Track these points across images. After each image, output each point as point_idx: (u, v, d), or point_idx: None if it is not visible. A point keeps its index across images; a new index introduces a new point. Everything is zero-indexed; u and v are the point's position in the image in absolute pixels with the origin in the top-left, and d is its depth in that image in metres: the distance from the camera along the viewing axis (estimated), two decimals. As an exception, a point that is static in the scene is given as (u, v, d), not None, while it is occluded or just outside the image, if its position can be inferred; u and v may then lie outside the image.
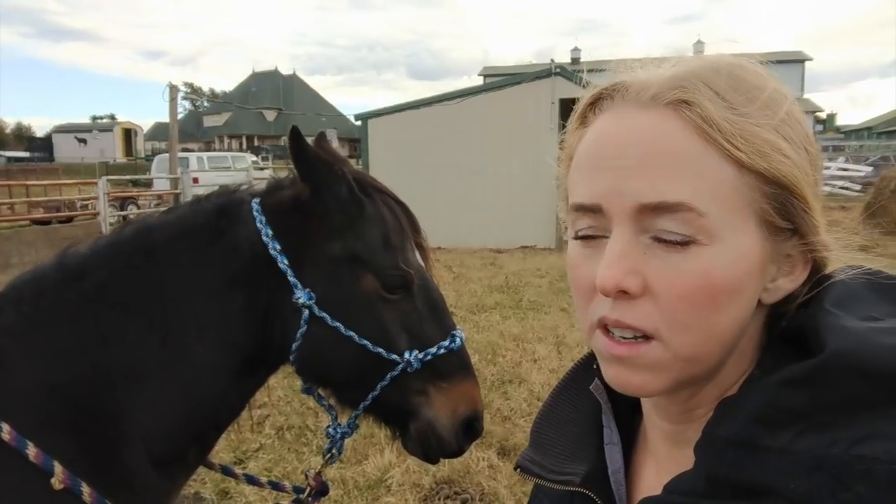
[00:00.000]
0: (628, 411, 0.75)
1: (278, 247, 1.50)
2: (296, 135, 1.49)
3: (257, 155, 38.87)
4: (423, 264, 1.62)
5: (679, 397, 0.63)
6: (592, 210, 0.59)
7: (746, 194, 0.56)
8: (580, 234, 0.61)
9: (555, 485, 0.71)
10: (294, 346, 1.51)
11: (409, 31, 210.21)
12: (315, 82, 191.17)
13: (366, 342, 1.49)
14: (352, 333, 1.48)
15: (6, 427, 1.31)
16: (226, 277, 1.50)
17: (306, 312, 1.49)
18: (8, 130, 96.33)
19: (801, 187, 0.57)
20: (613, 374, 0.60)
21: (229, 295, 1.50)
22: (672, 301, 0.55)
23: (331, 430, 1.64)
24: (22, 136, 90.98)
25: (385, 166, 14.48)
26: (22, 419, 1.34)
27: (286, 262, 1.50)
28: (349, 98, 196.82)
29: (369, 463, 4.12)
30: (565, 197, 0.66)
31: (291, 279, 1.49)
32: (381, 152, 15.73)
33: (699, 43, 45.21)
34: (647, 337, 0.57)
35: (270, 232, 1.51)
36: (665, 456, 0.68)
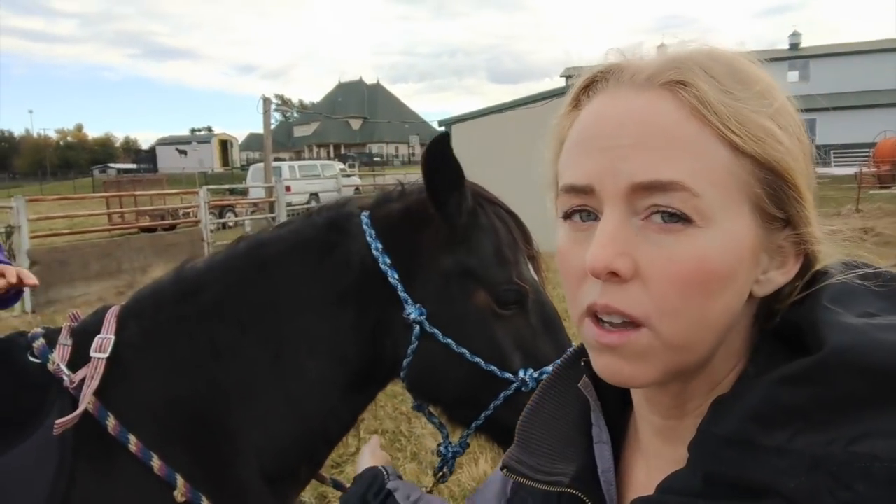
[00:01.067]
0: (617, 409, 0.73)
1: (388, 261, 1.47)
2: (445, 142, 1.43)
3: (344, 162, 39.86)
4: (536, 278, 1.55)
5: (670, 390, 0.61)
6: (584, 191, 0.57)
7: (741, 178, 0.55)
8: (569, 212, 0.60)
9: (543, 485, 0.69)
10: (405, 362, 1.47)
11: (490, 36, 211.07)
12: (398, 90, 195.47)
13: (478, 360, 1.43)
14: (463, 350, 1.43)
15: (133, 439, 1.34)
16: (336, 292, 1.48)
17: (417, 328, 1.44)
18: (117, 144, 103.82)
19: (794, 175, 0.56)
20: (603, 364, 0.58)
21: (340, 310, 1.48)
22: (664, 285, 0.53)
23: (442, 448, 1.59)
24: (129, 149, 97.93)
25: (469, 171, 14.41)
26: (146, 432, 1.36)
27: (396, 276, 1.46)
28: (431, 105, 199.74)
29: (464, 472, 4.08)
30: (554, 182, 0.65)
31: (402, 294, 1.45)
32: (465, 157, 15.40)
33: (795, 35, 42.68)
34: (636, 325, 0.55)
35: (381, 246, 1.48)
36: (655, 453, 0.66)
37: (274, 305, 1.48)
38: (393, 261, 1.46)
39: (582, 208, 0.59)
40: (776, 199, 0.56)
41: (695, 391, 0.60)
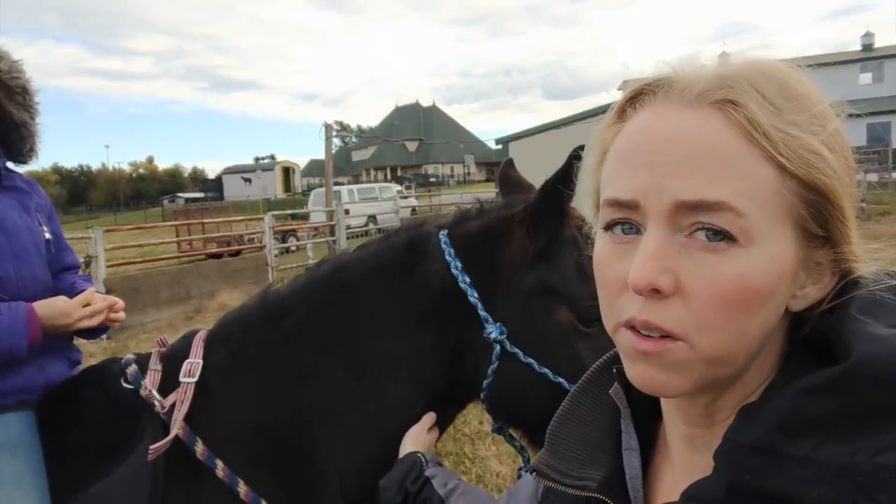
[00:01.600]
0: (647, 417, 0.73)
1: (468, 280, 1.44)
2: (575, 160, 1.30)
3: (401, 184, 40.40)
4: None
5: (700, 400, 0.62)
6: (629, 206, 0.58)
7: (786, 199, 0.55)
8: (611, 224, 0.60)
9: (571, 489, 0.70)
10: (485, 383, 1.43)
11: (546, 53, 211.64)
12: (454, 111, 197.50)
13: (560, 380, 1.38)
14: (546, 370, 1.38)
15: (220, 464, 1.35)
16: (416, 313, 1.47)
17: (498, 348, 1.41)
18: (186, 174, 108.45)
19: (839, 197, 0.56)
20: (638, 372, 0.58)
21: (419, 331, 1.47)
22: (704, 303, 0.54)
23: (523, 472, 1.54)
24: (197, 179, 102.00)
25: (527, 189, 14.37)
26: (232, 456, 1.38)
27: (476, 295, 1.43)
28: (486, 124, 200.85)
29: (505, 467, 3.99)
30: (595, 190, 0.65)
31: (482, 313, 1.42)
32: (523, 174, 15.69)
33: (868, 35, 40.86)
34: (674, 338, 0.55)
35: (459, 265, 1.46)
36: (683, 461, 0.66)
37: (355, 328, 1.48)
38: (472, 279, 1.44)
39: (624, 221, 0.59)
40: (819, 219, 0.56)
41: (725, 403, 0.61)
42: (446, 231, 1.53)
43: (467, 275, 1.44)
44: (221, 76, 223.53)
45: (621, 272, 0.57)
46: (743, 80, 0.56)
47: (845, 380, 0.50)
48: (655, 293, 0.55)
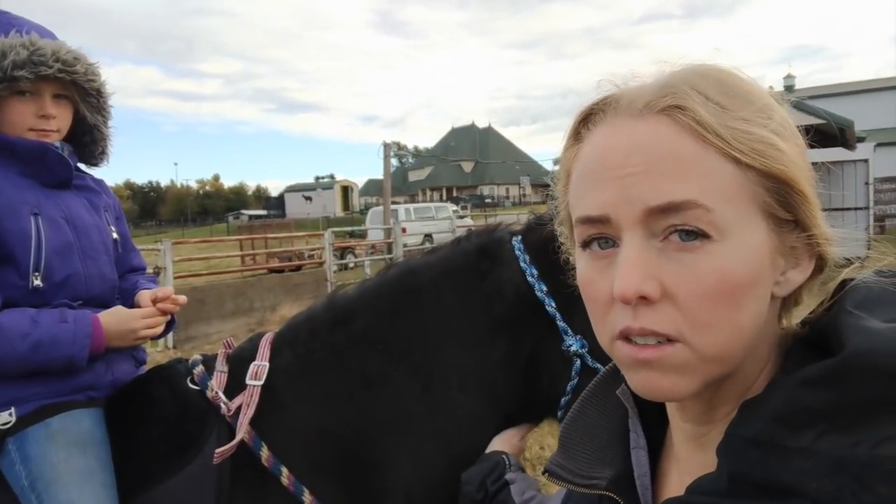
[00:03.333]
0: (656, 416, 0.73)
1: (545, 288, 1.37)
2: None
3: (456, 204, 40.56)
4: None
5: (702, 397, 0.62)
6: (600, 221, 0.59)
7: (749, 189, 0.56)
8: (587, 241, 0.61)
9: (582, 488, 0.71)
10: (563, 400, 1.35)
11: (603, 75, 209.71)
12: (510, 133, 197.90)
13: None
14: None
15: (285, 471, 1.31)
16: (488, 322, 1.41)
17: (578, 362, 1.33)
18: (250, 192, 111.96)
19: (798, 181, 0.58)
20: (641, 381, 0.59)
21: (492, 341, 1.40)
22: (692, 301, 0.55)
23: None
24: (260, 197, 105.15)
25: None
26: (297, 463, 1.33)
27: (554, 305, 1.36)
28: (543, 146, 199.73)
29: None
30: (566, 216, 0.67)
31: (561, 324, 1.35)
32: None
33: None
34: (671, 340, 0.56)
35: (536, 272, 1.39)
36: (687, 459, 0.67)
37: (423, 335, 1.42)
38: (550, 288, 1.37)
39: (600, 236, 0.60)
40: (785, 204, 0.58)
41: (726, 396, 0.62)
42: (520, 237, 1.47)
43: (544, 283, 1.37)
44: (287, 98, 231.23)
45: (606, 287, 0.58)
46: (684, 84, 0.58)
47: (841, 371, 0.50)
48: (644, 300, 0.55)
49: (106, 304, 1.61)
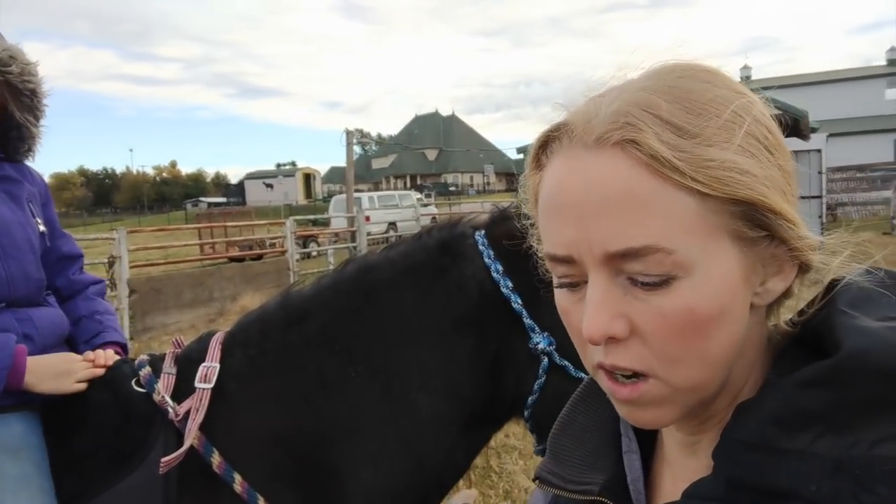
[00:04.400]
0: None
1: (510, 284, 1.33)
2: None
3: (420, 192, 40.43)
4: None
5: (690, 412, 0.61)
6: (566, 261, 0.58)
7: (713, 219, 0.53)
8: (561, 282, 0.60)
9: (574, 494, 0.70)
10: (529, 399, 1.32)
11: (567, 64, 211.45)
12: (474, 121, 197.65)
13: None
14: None
15: (238, 478, 1.25)
16: (450, 320, 1.36)
17: (545, 360, 1.29)
18: (209, 179, 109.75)
19: (769, 201, 0.54)
20: (625, 413, 0.60)
21: (455, 340, 1.35)
22: (660, 339, 0.54)
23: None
24: (219, 184, 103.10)
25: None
26: (250, 469, 1.27)
27: (520, 301, 1.31)
28: (506, 134, 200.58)
29: None
30: (539, 238, 0.65)
31: (527, 322, 1.30)
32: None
33: (893, 50, 40.22)
34: (644, 375, 0.56)
35: (501, 268, 1.34)
36: (680, 465, 0.67)
37: (383, 334, 1.37)
38: (515, 284, 1.32)
39: (568, 282, 0.59)
40: (757, 223, 0.55)
41: (716, 408, 0.61)
42: (483, 231, 1.42)
43: (510, 279, 1.32)
44: (248, 83, 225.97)
45: (581, 320, 0.57)
46: (638, 109, 0.54)
47: (836, 372, 0.50)
48: (613, 340, 0.55)
49: (33, 305, 1.50)
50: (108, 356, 1.50)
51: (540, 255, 0.69)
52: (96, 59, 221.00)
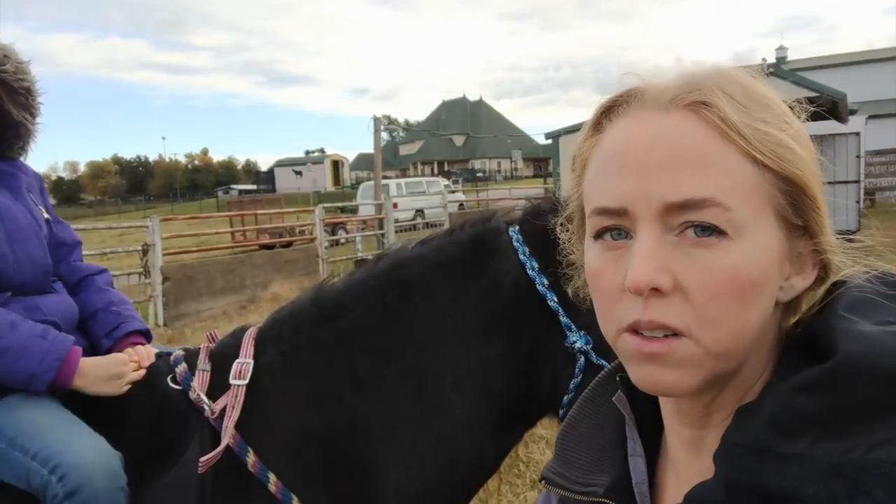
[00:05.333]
0: (651, 424, 0.73)
1: (546, 282, 1.30)
2: None
3: (448, 179, 40.32)
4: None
5: (702, 399, 0.62)
6: (617, 213, 0.59)
7: (766, 190, 0.57)
8: (600, 231, 0.61)
9: (579, 496, 0.71)
10: (565, 399, 1.29)
11: (598, 47, 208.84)
12: (502, 106, 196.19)
13: None
14: None
15: (273, 478, 1.24)
16: (485, 318, 1.33)
17: (581, 359, 1.26)
18: (239, 167, 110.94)
19: (812, 188, 0.59)
20: (644, 374, 0.58)
21: (489, 338, 1.33)
22: (703, 297, 0.55)
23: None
24: (250, 171, 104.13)
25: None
26: (285, 469, 1.27)
27: (556, 299, 1.28)
28: (535, 119, 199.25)
29: None
30: (579, 205, 0.67)
31: (563, 320, 1.28)
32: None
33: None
34: (678, 335, 0.56)
35: (536, 265, 1.31)
36: (684, 465, 0.67)
37: (415, 332, 1.35)
38: (551, 282, 1.29)
39: (613, 227, 0.60)
40: (797, 209, 0.58)
41: (725, 400, 0.62)
42: (517, 227, 1.39)
43: (545, 276, 1.29)
44: (278, 70, 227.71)
45: (617, 278, 0.58)
46: (709, 82, 0.59)
47: (833, 376, 0.50)
48: (655, 292, 0.56)
49: (40, 293, 1.52)
50: (150, 354, 1.51)
51: (572, 243, 0.72)
52: (130, 48, 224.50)
